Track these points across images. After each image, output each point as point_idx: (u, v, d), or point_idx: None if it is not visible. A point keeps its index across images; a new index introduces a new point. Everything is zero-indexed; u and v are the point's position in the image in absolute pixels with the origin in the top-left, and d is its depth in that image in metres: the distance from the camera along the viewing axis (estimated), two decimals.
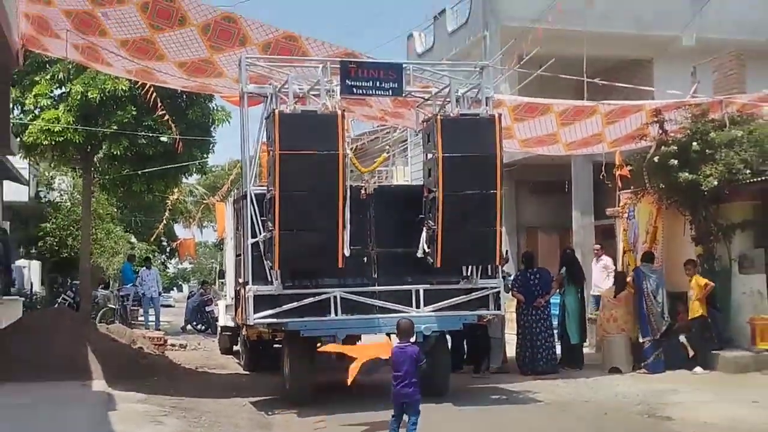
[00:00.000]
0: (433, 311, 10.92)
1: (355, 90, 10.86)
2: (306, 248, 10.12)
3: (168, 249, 42.41)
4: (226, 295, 17.07)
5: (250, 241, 10.58)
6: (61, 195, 30.02)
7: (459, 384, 12.19)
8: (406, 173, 25.73)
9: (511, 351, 14.27)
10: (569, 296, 14.48)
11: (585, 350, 14.98)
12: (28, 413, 9.19)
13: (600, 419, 9.92)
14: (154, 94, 15.09)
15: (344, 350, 9.75)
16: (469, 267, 11.13)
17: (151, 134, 19.09)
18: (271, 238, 10.08)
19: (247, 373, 14.66)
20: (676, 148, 13.52)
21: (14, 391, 10.60)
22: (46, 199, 29.44)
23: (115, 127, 18.51)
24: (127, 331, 15.56)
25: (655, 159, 13.72)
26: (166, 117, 16.30)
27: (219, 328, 18.34)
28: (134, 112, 18.42)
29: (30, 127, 18.64)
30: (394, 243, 11.18)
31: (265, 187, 10.57)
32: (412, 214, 11.11)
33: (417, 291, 10.92)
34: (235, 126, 22.51)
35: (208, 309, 23.78)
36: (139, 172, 20.25)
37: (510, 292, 13.93)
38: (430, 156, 10.92)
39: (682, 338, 13.38)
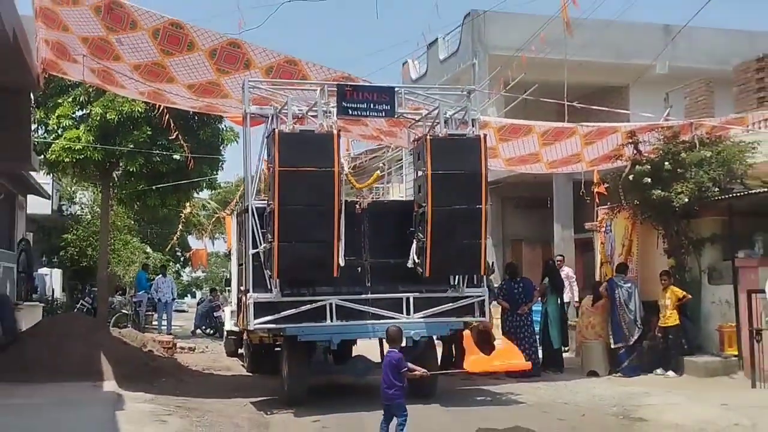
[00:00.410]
0: (422, 318, 10.76)
1: (350, 111, 10.71)
2: (303, 259, 9.96)
3: (182, 258, 42.31)
4: (231, 302, 16.89)
5: (251, 251, 10.43)
6: (81, 208, 29.93)
7: (447, 386, 11.99)
8: (402, 190, 25.58)
9: None
10: (551, 304, 14.34)
11: (566, 355, 14.85)
12: (39, 412, 8.99)
13: (578, 420, 9.72)
14: (167, 115, 15.07)
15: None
16: (456, 277, 10.96)
17: (164, 152, 19.10)
18: (271, 248, 9.93)
19: (250, 374, 14.44)
20: (649, 167, 13.43)
21: (29, 391, 10.40)
22: (68, 212, 29.34)
23: (131, 146, 18.52)
24: (138, 335, 15.35)
25: (630, 177, 13.65)
26: (179, 137, 16.24)
27: (225, 333, 18.14)
28: (149, 132, 18.43)
29: (53, 145, 18.64)
30: (386, 254, 11.01)
31: (266, 201, 10.42)
32: (403, 227, 10.98)
33: (407, 299, 10.74)
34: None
35: (216, 314, 23.64)
36: (154, 188, 20.20)
37: (496, 300, 13.77)
38: (420, 173, 10.79)
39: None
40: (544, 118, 15.41)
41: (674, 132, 13.67)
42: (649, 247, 14.51)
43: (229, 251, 22.15)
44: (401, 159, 25.69)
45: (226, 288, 22.61)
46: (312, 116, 10.54)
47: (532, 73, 16.20)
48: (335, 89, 10.70)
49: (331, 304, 10.44)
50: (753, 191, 12.57)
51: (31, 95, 17.68)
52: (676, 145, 13.46)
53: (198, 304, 29.56)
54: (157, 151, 19.01)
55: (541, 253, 21.38)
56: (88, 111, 18.53)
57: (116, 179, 20.86)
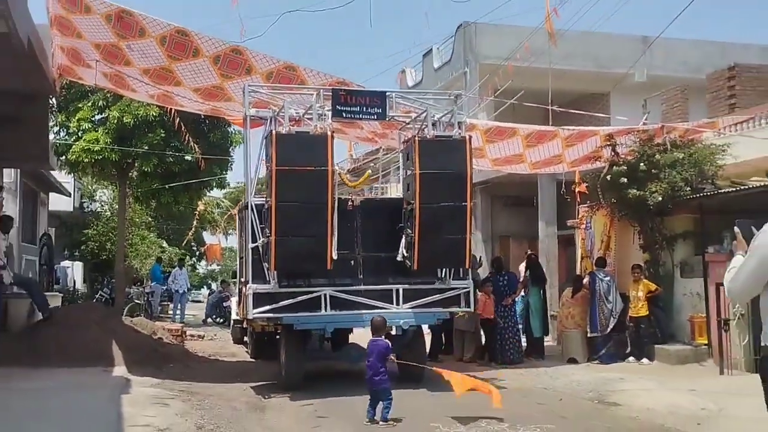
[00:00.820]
0: (411, 308, 10.60)
1: (344, 114, 10.54)
2: (299, 252, 9.81)
3: (197, 253, 42.23)
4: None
5: (251, 245, 10.29)
6: (101, 205, 29.83)
7: (435, 373, 11.80)
8: (399, 189, 25.38)
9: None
10: (533, 296, 14.21)
11: (547, 343, 14.68)
12: (50, 396, 8.81)
13: (556, 404, 9.57)
14: (178, 118, 14.98)
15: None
16: (443, 269, 10.79)
17: (177, 153, 18.98)
18: (269, 242, 9.80)
19: (253, 360, 14.25)
20: (626, 168, 13.30)
21: (43, 376, 10.22)
22: (89, 209, 29.25)
23: (146, 147, 18.44)
24: (149, 324, 15.15)
25: (608, 177, 13.53)
26: (189, 139, 16.13)
27: (232, 321, 18.00)
28: (163, 135, 18.35)
29: (74, 146, 18.57)
30: (377, 248, 10.86)
31: (264, 198, 10.27)
32: (393, 223, 10.82)
33: (397, 290, 10.58)
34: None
35: (225, 304, 23.44)
36: (167, 186, 20.09)
37: (478, 289, 13.61)
38: (409, 172, 10.64)
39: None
40: (531, 123, 15.24)
41: (649, 135, 13.52)
42: (626, 243, 14.38)
43: None
44: (399, 160, 25.50)
45: (233, 280, 22.49)
46: (308, 119, 10.37)
47: (518, 80, 16.11)
48: (330, 94, 10.55)
49: (325, 295, 10.29)
50: (722, 191, 12.43)
51: (52, 100, 17.65)
52: (651, 147, 13.31)
53: (209, 294, 29.46)
54: (170, 153, 18.92)
55: (528, 249, 21.23)
56: (106, 115, 18.48)
57: (134, 178, 20.76)
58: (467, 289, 10.87)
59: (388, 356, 7.77)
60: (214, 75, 11.40)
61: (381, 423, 7.90)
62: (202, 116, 17.33)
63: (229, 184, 25.22)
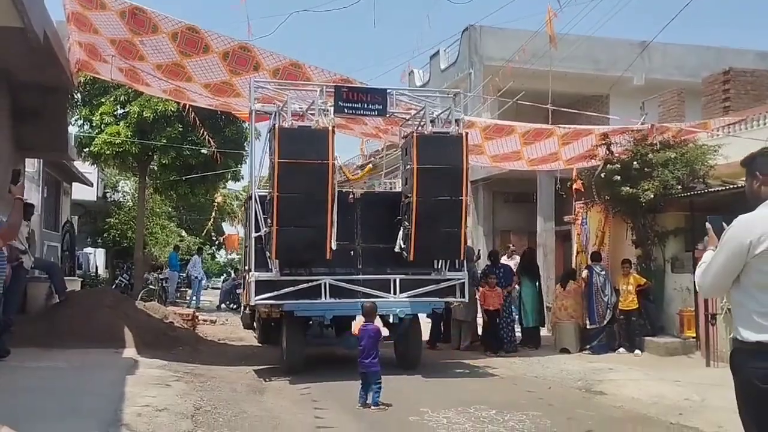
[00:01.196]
0: (407, 297, 10.43)
1: (346, 110, 10.39)
2: (299, 241, 9.66)
3: (216, 242, 42.27)
4: None
5: (254, 234, 10.16)
6: (123, 196, 29.87)
7: (431, 359, 11.70)
8: None
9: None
10: (525, 287, 14.03)
11: (543, 333, 14.48)
12: (58, 374, 8.72)
13: (544, 392, 9.36)
14: (194, 113, 14.92)
15: None
16: (439, 261, 10.62)
17: (194, 147, 18.95)
18: (271, 232, 9.66)
19: (260, 345, 14.14)
20: (619, 166, 13.08)
21: (56, 356, 10.14)
22: (111, 199, 29.29)
23: (164, 141, 18.44)
24: (161, 308, 15.06)
25: (602, 175, 13.30)
26: (205, 133, 16.06)
27: (242, 307, 17.90)
28: (180, 129, 18.35)
29: (96, 139, 18.60)
30: (376, 239, 10.70)
31: (267, 190, 10.14)
32: (391, 215, 10.64)
33: (394, 280, 10.40)
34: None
35: (237, 291, 23.39)
36: (184, 178, 20.05)
37: (478, 285, 13.46)
38: (407, 167, 10.42)
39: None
40: (532, 122, 15.06)
41: (643, 135, 13.28)
42: (620, 238, 14.15)
43: None
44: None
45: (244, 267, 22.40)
46: (311, 114, 10.22)
47: (521, 81, 15.91)
48: (333, 90, 10.40)
49: (325, 284, 10.13)
50: (712, 189, 12.18)
51: (77, 94, 17.62)
52: (644, 146, 13.07)
53: (223, 282, 29.43)
54: (188, 146, 18.91)
55: (527, 243, 21.04)
56: (127, 109, 18.50)
57: (153, 170, 20.76)
58: (462, 281, 10.70)
59: (379, 340, 7.63)
60: (224, 71, 11.26)
61: (372, 407, 7.77)
62: (219, 112, 17.27)
63: (243, 177, 25.19)
